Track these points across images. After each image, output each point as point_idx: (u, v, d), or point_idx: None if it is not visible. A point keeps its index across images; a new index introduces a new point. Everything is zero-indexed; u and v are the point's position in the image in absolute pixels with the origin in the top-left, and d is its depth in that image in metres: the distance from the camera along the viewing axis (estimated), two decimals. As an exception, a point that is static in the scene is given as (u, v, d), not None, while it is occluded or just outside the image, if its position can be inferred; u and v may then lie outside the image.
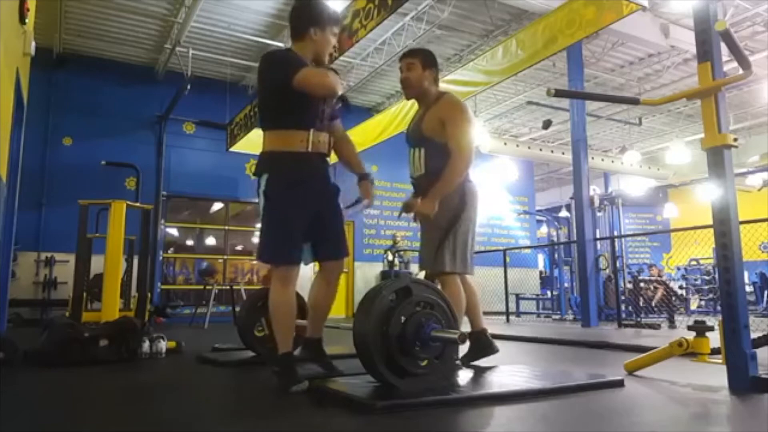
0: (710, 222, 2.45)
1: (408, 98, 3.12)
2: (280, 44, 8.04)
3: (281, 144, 2.43)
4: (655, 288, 8.83)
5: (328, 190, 2.60)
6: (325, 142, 2.53)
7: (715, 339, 2.51)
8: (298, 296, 2.91)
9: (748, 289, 10.02)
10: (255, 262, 10.68)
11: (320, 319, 2.70)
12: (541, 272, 13.64)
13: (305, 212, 2.45)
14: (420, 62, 2.97)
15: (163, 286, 9.35)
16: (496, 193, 12.32)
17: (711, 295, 10.41)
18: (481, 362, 3.01)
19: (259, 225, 2.48)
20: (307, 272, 2.72)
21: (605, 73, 9.83)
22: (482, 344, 3.00)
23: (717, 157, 2.43)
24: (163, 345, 3.76)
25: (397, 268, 10.32)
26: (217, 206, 10.31)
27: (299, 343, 3.24)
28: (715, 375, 2.47)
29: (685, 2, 6.54)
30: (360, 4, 5.01)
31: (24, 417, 2.04)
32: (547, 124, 10.08)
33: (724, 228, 2.39)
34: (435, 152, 2.87)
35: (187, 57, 7.94)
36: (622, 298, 7.42)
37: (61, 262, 8.20)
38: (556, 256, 11.39)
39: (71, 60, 8.80)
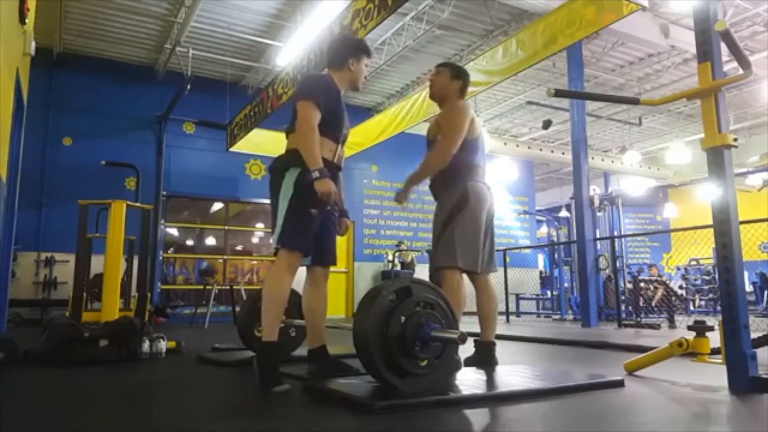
0: (710, 222, 2.45)
1: (431, 98, 3.27)
2: (280, 44, 8.05)
3: None
4: (655, 288, 8.83)
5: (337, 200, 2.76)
6: (342, 158, 2.78)
7: (715, 339, 2.51)
8: (295, 293, 2.94)
9: (748, 289, 10.02)
10: (255, 262, 10.68)
11: (320, 326, 2.77)
12: (541, 272, 13.63)
13: (322, 212, 2.62)
14: (449, 72, 3.17)
15: (163, 286, 9.34)
16: (496, 193, 12.31)
17: (711, 295, 10.41)
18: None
19: (276, 216, 2.58)
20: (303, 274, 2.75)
21: (605, 73, 9.83)
22: (485, 357, 3.01)
23: (717, 157, 2.43)
24: (163, 345, 3.76)
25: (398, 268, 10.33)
26: (217, 206, 10.31)
27: (293, 344, 3.23)
28: (715, 375, 2.47)
29: (685, 2, 6.55)
30: (360, 4, 5.01)
31: (24, 417, 2.04)
32: (547, 124, 10.08)
33: (724, 228, 2.39)
34: None
35: (187, 57, 7.95)
36: (622, 298, 7.42)
37: (61, 262, 8.20)
38: (556, 256, 11.39)
39: (71, 60, 8.80)
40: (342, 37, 3.41)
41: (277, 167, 2.62)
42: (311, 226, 2.56)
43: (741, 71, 2.42)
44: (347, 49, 2.83)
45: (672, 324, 6.66)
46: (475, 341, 3.04)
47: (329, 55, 2.87)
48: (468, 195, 2.92)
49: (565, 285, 10.46)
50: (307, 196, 2.51)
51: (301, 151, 2.49)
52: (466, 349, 2.81)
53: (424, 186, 3.11)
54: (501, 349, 3.12)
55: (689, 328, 2.70)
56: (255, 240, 11.36)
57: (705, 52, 2.49)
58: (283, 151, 2.68)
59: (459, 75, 3.15)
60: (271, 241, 2.66)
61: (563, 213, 13.52)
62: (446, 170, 2.97)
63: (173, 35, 8.09)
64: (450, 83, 3.12)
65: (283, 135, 2.72)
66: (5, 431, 1.78)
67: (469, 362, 3.00)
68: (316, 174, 2.41)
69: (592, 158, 11.01)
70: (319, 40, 5.92)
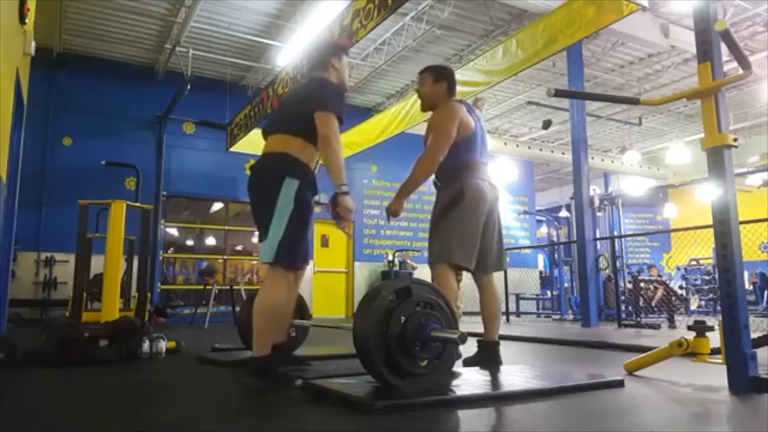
0: (710, 222, 2.45)
1: (423, 110, 3.24)
2: (280, 44, 8.05)
3: (306, 157, 2.60)
4: (655, 288, 8.82)
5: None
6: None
7: (715, 339, 2.51)
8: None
9: (749, 288, 10.02)
10: (255, 262, 10.66)
11: (287, 323, 2.87)
12: (541, 272, 13.64)
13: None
14: (431, 76, 3.11)
15: (163, 286, 9.34)
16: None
17: (711, 295, 10.41)
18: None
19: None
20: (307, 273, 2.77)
21: (605, 73, 9.83)
22: (490, 357, 2.99)
23: (717, 157, 2.43)
24: (163, 345, 3.76)
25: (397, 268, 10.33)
26: (217, 206, 10.30)
27: (293, 344, 3.25)
28: (715, 375, 2.47)
29: (685, 2, 6.55)
30: (360, 4, 5.01)
31: (24, 417, 2.04)
32: (547, 124, 10.08)
33: (724, 228, 2.39)
34: None
35: (187, 57, 7.94)
36: (622, 298, 7.42)
37: (61, 262, 8.20)
38: (556, 256, 11.38)
39: (71, 60, 8.80)
40: (317, 45, 3.56)
41: (272, 170, 2.58)
42: (307, 238, 2.61)
43: (741, 71, 2.42)
44: (326, 51, 2.90)
45: (672, 324, 6.67)
46: (478, 341, 3.03)
47: (311, 64, 2.90)
48: (463, 192, 2.90)
49: (565, 285, 10.46)
50: (305, 211, 2.56)
51: (332, 166, 2.49)
52: (468, 349, 2.81)
53: (424, 186, 3.10)
54: (501, 349, 3.12)
55: (689, 328, 2.70)
56: (255, 240, 11.34)
57: (705, 52, 2.49)
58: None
59: (442, 76, 3.11)
60: (258, 246, 2.67)
61: (563, 213, 13.52)
62: (444, 167, 2.97)
63: (173, 35, 8.09)
64: (435, 87, 3.09)
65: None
66: (5, 431, 1.78)
67: (472, 362, 2.99)
68: (345, 189, 2.47)
69: (592, 158, 11.01)
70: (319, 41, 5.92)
